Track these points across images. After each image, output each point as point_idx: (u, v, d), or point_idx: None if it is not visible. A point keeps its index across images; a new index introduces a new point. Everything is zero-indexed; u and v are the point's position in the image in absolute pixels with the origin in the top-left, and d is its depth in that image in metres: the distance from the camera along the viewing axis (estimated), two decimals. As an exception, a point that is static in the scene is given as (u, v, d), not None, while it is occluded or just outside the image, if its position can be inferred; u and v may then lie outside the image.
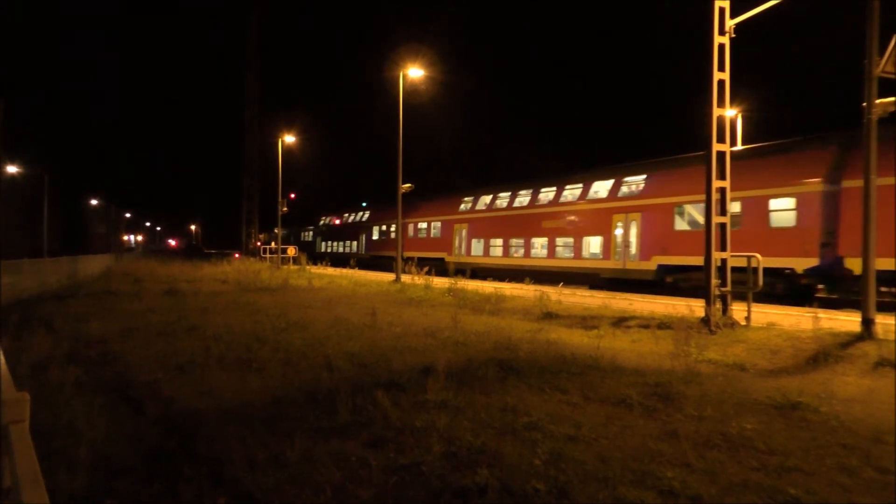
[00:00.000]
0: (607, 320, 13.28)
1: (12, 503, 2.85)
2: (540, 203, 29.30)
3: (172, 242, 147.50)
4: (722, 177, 12.67)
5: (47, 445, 4.78)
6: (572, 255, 26.83)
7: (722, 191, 12.68)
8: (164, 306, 16.19)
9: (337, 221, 57.92)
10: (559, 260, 27.39)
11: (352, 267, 34.85)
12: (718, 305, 12.27)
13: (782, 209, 18.99)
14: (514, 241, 30.44)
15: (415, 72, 27.49)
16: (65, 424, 5.58)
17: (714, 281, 12.25)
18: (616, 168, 26.45)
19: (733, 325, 11.94)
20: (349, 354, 9.36)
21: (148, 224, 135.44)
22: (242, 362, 8.85)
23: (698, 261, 18.01)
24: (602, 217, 25.33)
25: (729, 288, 12.52)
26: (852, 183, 16.51)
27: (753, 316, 12.21)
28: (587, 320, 13.54)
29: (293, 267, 38.69)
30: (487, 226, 32.61)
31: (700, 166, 20.34)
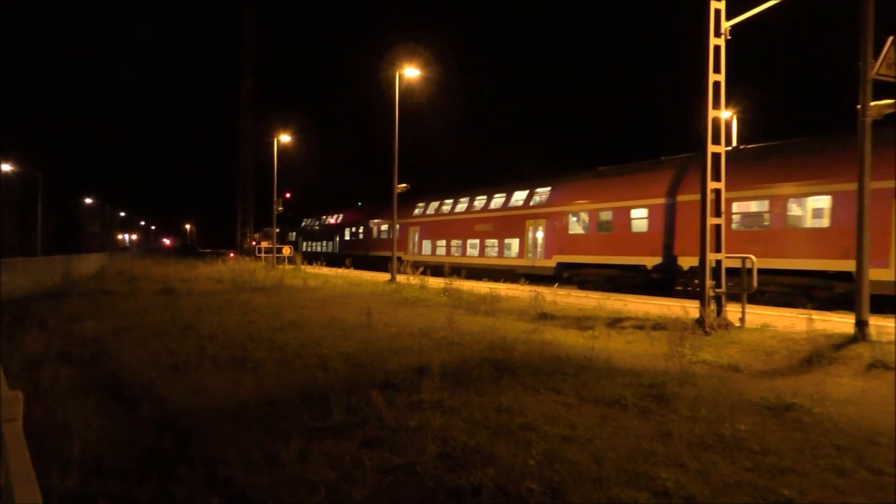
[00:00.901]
0: (602, 321, 13.30)
1: (5, 502, 2.84)
2: (474, 209, 33.97)
3: (167, 242, 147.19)
4: (717, 178, 12.70)
5: (41, 445, 4.76)
6: (497, 254, 31.22)
7: (717, 192, 12.71)
8: (159, 305, 16.15)
9: (316, 223, 62.51)
10: (487, 258, 31.69)
11: (347, 267, 34.96)
12: (713, 307, 12.30)
13: (639, 217, 23.36)
14: (454, 242, 35.27)
15: (411, 72, 27.49)
16: (58, 424, 5.56)
17: (709, 282, 12.28)
18: (530, 181, 31.02)
19: (727, 326, 11.98)
20: (344, 354, 9.34)
21: (143, 223, 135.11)
22: (237, 362, 8.83)
23: (587, 259, 25.19)
24: (518, 222, 29.91)
25: (724, 289, 12.55)
26: (685, 198, 21.05)
27: (748, 317, 12.26)
28: (582, 321, 13.55)
29: (288, 266, 38.64)
30: (434, 228, 37.36)
31: (589, 180, 26.61)
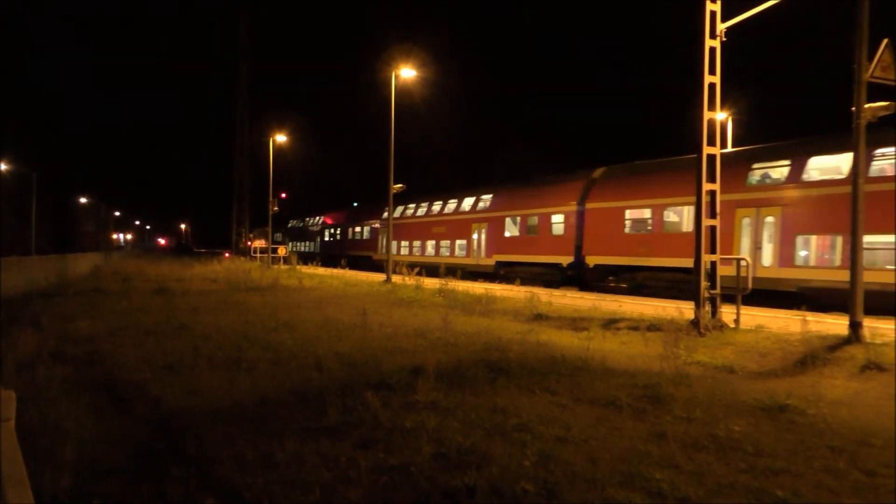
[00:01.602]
0: (597, 322, 13.32)
1: None
2: (432, 214, 38.11)
3: (162, 241, 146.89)
4: (712, 179, 12.73)
5: (33, 445, 4.74)
6: (449, 253, 35.31)
7: (712, 193, 12.74)
8: (154, 305, 16.11)
9: (300, 224, 66.62)
10: (441, 257, 35.06)
11: (343, 267, 35.02)
12: (707, 308, 12.33)
13: (557, 222, 27.22)
14: (415, 243, 39.83)
15: (407, 72, 27.50)
16: (51, 424, 5.54)
17: (703, 283, 12.31)
18: (476, 189, 35.29)
19: (722, 327, 12.01)
20: (339, 355, 9.33)
21: (137, 223, 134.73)
22: (232, 362, 8.81)
23: (518, 258, 29.29)
24: (466, 226, 34.08)
25: (718, 290, 12.58)
26: (591, 205, 25.33)
27: (742, 318, 12.29)
28: (577, 322, 13.57)
29: (284, 266, 38.59)
30: (400, 230, 40.55)
31: (521, 188, 30.94)
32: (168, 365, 8.63)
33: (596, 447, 5.37)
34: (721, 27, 12.60)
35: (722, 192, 14.30)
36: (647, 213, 23.08)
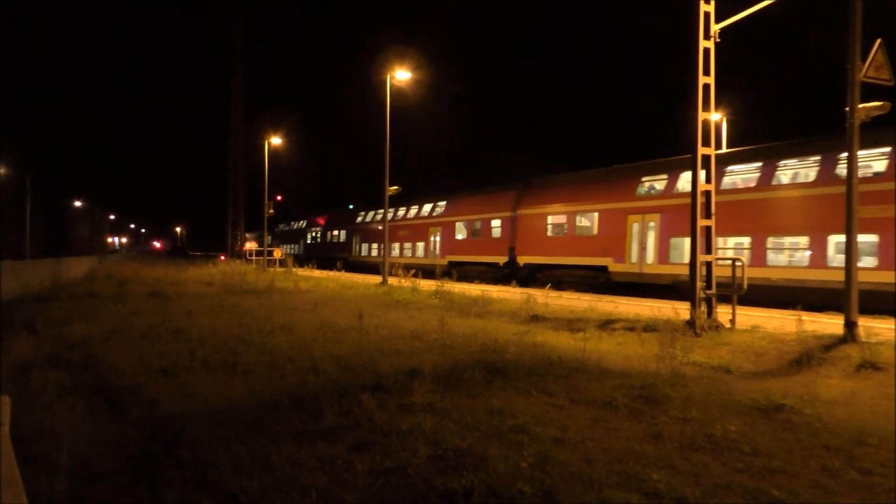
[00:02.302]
0: (593, 323, 13.33)
1: None
2: (398, 218, 42.05)
3: (157, 244, 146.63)
4: (707, 180, 12.75)
5: (28, 449, 4.72)
6: (411, 254, 39.73)
7: (707, 194, 12.76)
8: (149, 309, 16.06)
9: (287, 228, 70.59)
10: (405, 258, 39.07)
11: (339, 269, 35.07)
12: (703, 308, 12.35)
13: (496, 227, 31.49)
14: (382, 245, 42.76)
15: (402, 74, 27.49)
16: (46, 428, 5.51)
17: (699, 284, 12.33)
18: (433, 196, 39.75)
19: (718, 327, 12.03)
20: (335, 357, 9.32)
21: (132, 226, 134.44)
22: (227, 365, 8.79)
23: (466, 258, 33.53)
24: (425, 229, 38.41)
25: (714, 291, 12.60)
26: (521, 212, 29.50)
27: (738, 318, 12.31)
28: (573, 323, 13.58)
29: (279, 269, 38.54)
30: (368, 234, 46.75)
31: (469, 196, 35.75)
32: (163, 368, 8.59)
33: (592, 448, 5.38)
34: (715, 28, 12.64)
35: (617, 201, 20.71)
36: (563, 219, 26.95)
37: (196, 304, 17.20)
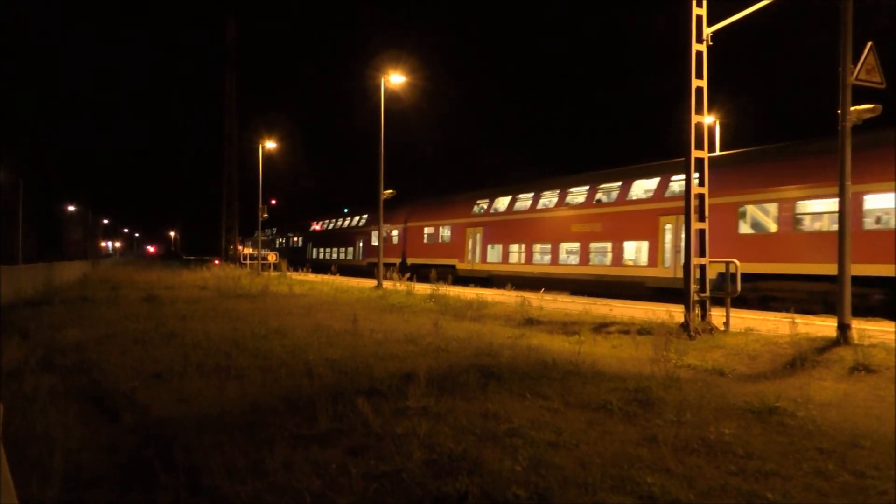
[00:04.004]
0: (588, 326, 13.34)
1: None
2: (342, 226, 53.82)
3: (151, 249, 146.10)
4: (701, 184, 12.79)
5: (20, 455, 4.69)
6: (344, 256, 51.77)
7: (700, 197, 12.80)
8: (142, 313, 15.98)
9: (263, 237, 78.39)
10: (339, 259, 50.97)
11: (334, 273, 35.07)
12: (697, 311, 12.38)
13: (395, 235, 42.45)
14: (325, 248, 57.27)
15: (396, 78, 27.49)
16: (39, 433, 5.48)
17: (693, 287, 12.35)
18: (359, 209, 51.48)
19: (712, 330, 12.05)
20: (330, 361, 9.29)
21: (126, 230, 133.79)
22: (221, 369, 8.75)
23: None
24: (352, 236, 50.79)
25: (708, 294, 12.63)
26: (409, 225, 40.39)
27: (732, 321, 12.34)
28: (568, 326, 13.59)
29: (273, 273, 38.47)
30: (323, 238, 58.39)
31: (371, 211, 44.21)
32: (157, 373, 8.56)
33: (587, 451, 5.37)
34: (707, 31, 12.69)
35: (460, 218, 33.16)
36: (432, 230, 37.72)
37: (190, 309, 17.14)
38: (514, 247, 29.94)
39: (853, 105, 10.25)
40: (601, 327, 13.23)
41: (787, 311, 13.13)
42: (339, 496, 4.42)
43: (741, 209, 19.83)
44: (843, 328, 10.04)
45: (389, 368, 8.70)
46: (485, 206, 32.91)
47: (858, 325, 10.39)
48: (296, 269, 41.43)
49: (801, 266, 17.69)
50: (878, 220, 16.89)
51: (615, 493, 4.45)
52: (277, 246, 71.40)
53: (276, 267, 43.52)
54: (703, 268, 12.72)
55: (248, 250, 58.88)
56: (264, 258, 48.68)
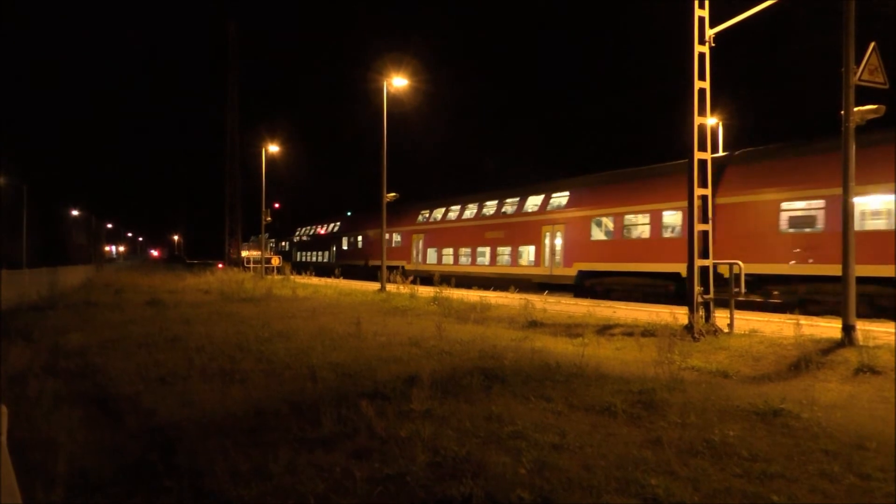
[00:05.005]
0: (591, 328, 13.33)
1: None
2: (315, 233, 62.22)
3: (155, 253, 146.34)
4: (704, 185, 12.77)
5: (25, 459, 4.70)
6: (319, 259, 58.93)
7: (703, 198, 12.78)
8: (146, 317, 16.02)
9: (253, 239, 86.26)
10: (317, 261, 58.38)
11: (336, 276, 35.10)
12: (701, 313, 12.35)
13: (363, 240, 48.25)
14: (306, 251, 65.24)
15: (399, 81, 27.50)
16: (43, 438, 5.49)
17: (697, 288, 12.33)
18: (334, 217, 59.32)
19: (716, 332, 12.02)
20: (333, 364, 9.29)
21: (130, 235, 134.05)
22: (225, 373, 8.76)
23: (349, 262, 47.55)
24: (327, 241, 57.43)
25: (712, 295, 12.60)
26: (369, 233, 46.47)
27: (736, 323, 12.31)
28: (571, 328, 13.57)
29: (277, 277, 38.51)
30: (306, 244, 65.74)
31: (350, 218, 57.19)
32: (161, 377, 8.57)
33: (591, 454, 5.36)
34: (709, 33, 12.68)
35: (406, 225, 41.00)
36: (387, 236, 38.29)
37: (193, 313, 17.17)
38: (446, 250, 36.43)
39: (856, 106, 10.23)
40: (605, 329, 13.22)
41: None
42: (344, 499, 4.42)
43: (595, 220, 26.20)
44: (848, 329, 10.02)
45: (393, 371, 8.70)
46: (426, 216, 39.30)
47: (863, 327, 10.36)
48: (299, 273, 43.80)
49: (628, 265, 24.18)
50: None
51: (619, 496, 4.44)
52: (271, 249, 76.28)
53: (280, 270, 43.59)
54: (706, 269, 12.69)
55: (250, 253, 58.68)
56: (268, 261, 48.39)
